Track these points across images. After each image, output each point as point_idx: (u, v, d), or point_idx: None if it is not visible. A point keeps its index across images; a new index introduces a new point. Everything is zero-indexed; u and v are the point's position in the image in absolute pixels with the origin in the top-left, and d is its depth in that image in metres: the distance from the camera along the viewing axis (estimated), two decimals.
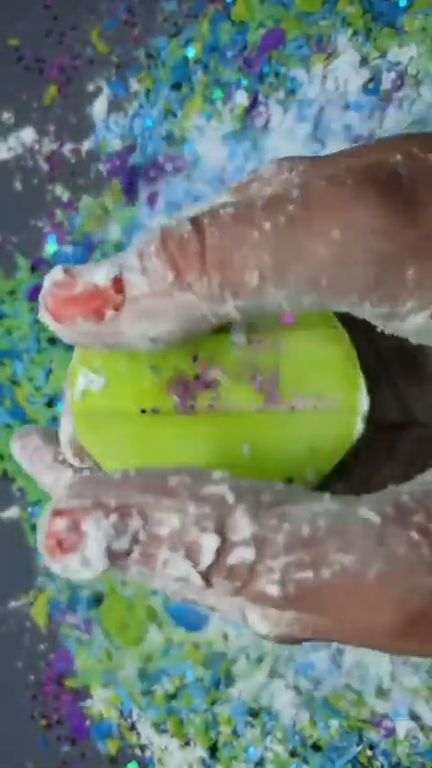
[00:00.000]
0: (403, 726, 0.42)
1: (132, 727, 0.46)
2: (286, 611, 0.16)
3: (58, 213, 0.49)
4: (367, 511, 0.16)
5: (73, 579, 0.16)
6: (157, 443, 0.20)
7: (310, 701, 0.43)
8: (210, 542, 0.15)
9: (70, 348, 0.47)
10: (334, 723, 0.43)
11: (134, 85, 0.48)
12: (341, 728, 0.43)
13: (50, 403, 0.47)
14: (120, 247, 0.47)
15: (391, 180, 0.16)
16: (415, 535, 0.15)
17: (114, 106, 0.49)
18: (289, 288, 0.16)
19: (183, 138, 0.47)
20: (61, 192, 0.49)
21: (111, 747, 0.46)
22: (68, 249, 0.48)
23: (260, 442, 0.20)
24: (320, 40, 0.45)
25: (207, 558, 0.15)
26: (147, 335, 0.17)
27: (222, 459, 0.20)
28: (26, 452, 0.22)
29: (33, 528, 0.47)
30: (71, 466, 0.21)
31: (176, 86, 0.48)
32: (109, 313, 0.16)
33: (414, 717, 0.42)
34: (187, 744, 0.45)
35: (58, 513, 0.16)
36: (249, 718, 0.44)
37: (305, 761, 0.43)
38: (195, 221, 0.16)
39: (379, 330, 0.18)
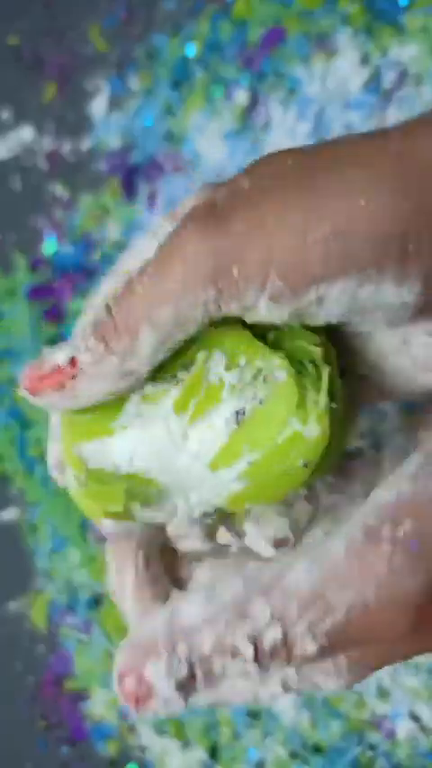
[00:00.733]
0: (404, 727, 0.42)
1: (132, 729, 0.45)
2: (330, 657, 0.18)
3: (58, 212, 0.49)
4: (341, 545, 0.19)
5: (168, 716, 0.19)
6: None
7: (310, 703, 0.43)
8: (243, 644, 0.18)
9: None
10: (334, 724, 0.43)
11: (134, 84, 0.48)
12: (342, 730, 0.43)
13: None
14: (119, 246, 0.47)
15: (205, 210, 0.21)
16: (387, 547, 0.18)
17: (114, 105, 0.49)
18: (167, 309, 0.21)
19: (182, 137, 0.47)
20: (60, 190, 0.49)
21: (110, 749, 0.46)
22: (68, 248, 0.48)
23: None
24: (321, 39, 0.45)
25: (248, 651, 0.18)
26: (100, 394, 0.22)
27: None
28: (122, 567, 0.24)
29: (32, 529, 0.47)
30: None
31: (176, 85, 0.47)
32: (68, 383, 0.22)
33: (415, 718, 0.42)
34: (187, 745, 0.45)
35: (122, 675, 0.18)
36: (250, 720, 0.44)
37: (306, 762, 0.43)
38: (107, 307, 0.22)
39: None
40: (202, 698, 0.18)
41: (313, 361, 0.23)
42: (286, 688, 0.19)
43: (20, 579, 0.46)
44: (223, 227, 0.21)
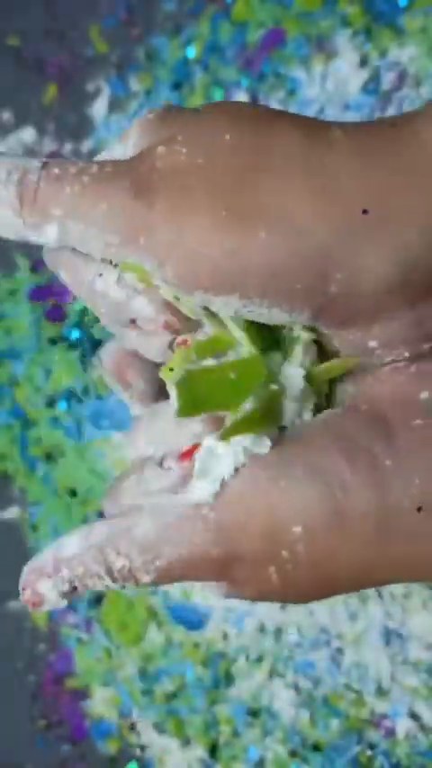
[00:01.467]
0: (403, 725, 0.43)
1: (132, 727, 0.46)
2: (166, 582, 0.25)
3: None
4: (175, 511, 0.24)
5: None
6: None
7: (309, 701, 0.43)
8: None
9: (70, 348, 0.47)
10: (334, 723, 0.43)
11: (134, 85, 0.48)
12: (341, 728, 0.43)
13: (50, 403, 0.47)
14: None
15: (145, 173, 0.23)
16: (200, 524, 0.24)
17: (114, 106, 0.49)
18: (80, 225, 0.23)
19: None
20: None
21: (111, 747, 0.46)
22: None
23: None
24: (320, 40, 0.45)
25: (107, 578, 0.25)
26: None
27: None
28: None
29: (33, 528, 0.47)
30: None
31: (177, 86, 0.48)
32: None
33: (414, 716, 0.42)
34: (187, 744, 0.45)
35: (23, 588, 0.26)
36: (249, 718, 0.44)
37: (305, 761, 0.43)
38: (41, 175, 0.23)
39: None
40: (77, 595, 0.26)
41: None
42: None
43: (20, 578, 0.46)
44: (149, 197, 0.22)
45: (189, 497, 0.24)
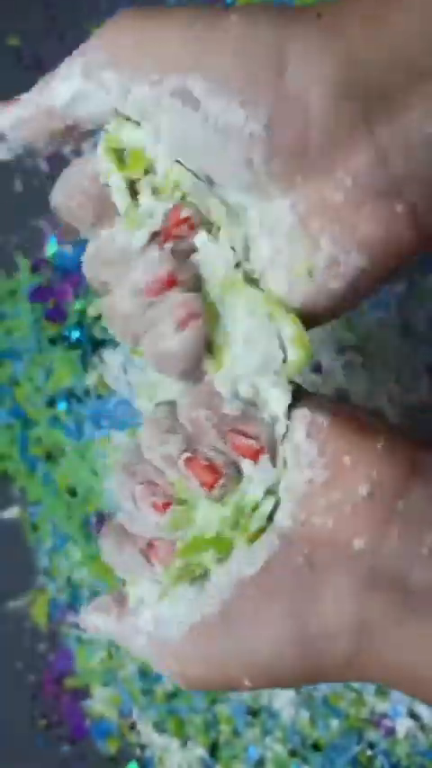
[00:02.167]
0: (403, 725, 0.43)
1: (132, 727, 0.46)
2: None
3: None
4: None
5: None
6: None
7: (309, 701, 0.43)
8: None
9: (70, 348, 0.47)
10: (334, 722, 0.43)
11: None
12: (341, 728, 0.43)
13: (50, 403, 0.47)
14: None
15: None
16: None
17: None
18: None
19: None
20: None
21: (111, 747, 0.46)
22: (69, 249, 0.48)
23: None
24: None
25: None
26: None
27: None
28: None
29: (33, 527, 0.47)
30: None
31: None
32: None
33: (414, 716, 0.42)
34: (187, 743, 0.45)
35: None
36: (249, 718, 0.44)
37: (305, 760, 0.43)
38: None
39: None
40: None
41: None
42: None
43: (21, 578, 0.46)
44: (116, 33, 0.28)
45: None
